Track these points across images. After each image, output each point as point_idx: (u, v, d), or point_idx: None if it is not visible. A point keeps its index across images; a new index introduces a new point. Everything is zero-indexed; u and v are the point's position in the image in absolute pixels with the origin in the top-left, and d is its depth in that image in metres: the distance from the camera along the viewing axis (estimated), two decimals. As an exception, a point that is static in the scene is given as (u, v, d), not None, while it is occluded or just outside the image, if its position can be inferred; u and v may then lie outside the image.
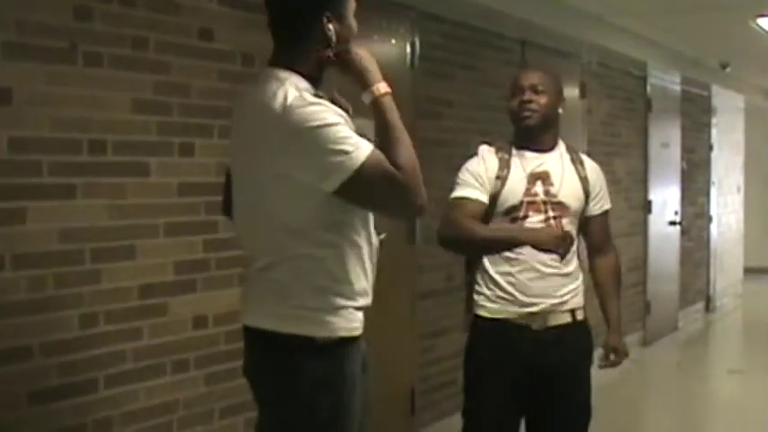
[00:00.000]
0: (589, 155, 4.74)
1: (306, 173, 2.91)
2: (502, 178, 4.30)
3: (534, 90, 4.34)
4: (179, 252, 4.60)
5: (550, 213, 4.29)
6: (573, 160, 4.47)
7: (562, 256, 4.32)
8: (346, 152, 2.87)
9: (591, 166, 4.55)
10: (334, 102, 3.05)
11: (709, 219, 13.38)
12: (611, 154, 9.85)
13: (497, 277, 4.32)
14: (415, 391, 6.50)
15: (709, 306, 13.34)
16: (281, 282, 3.01)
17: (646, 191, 10.80)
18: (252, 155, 3.03)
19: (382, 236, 3.23)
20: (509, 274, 4.30)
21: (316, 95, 2.96)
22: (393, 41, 6.28)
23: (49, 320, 4.04)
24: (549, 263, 4.30)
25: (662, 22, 9.48)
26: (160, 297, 4.52)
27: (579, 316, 4.47)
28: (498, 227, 4.31)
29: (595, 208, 4.51)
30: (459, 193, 4.37)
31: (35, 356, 3.98)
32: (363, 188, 2.93)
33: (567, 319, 4.40)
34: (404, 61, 6.36)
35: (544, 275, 4.31)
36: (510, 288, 4.30)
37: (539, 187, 4.31)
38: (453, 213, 4.34)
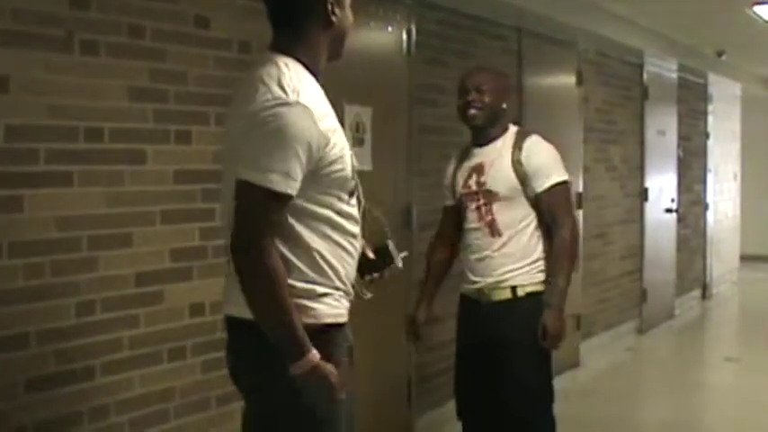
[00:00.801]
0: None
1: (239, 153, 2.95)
2: (454, 174, 4.94)
3: (478, 90, 4.75)
4: (175, 240, 4.60)
5: (481, 201, 4.76)
6: (514, 146, 4.77)
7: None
8: (265, 167, 2.88)
9: (530, 148, 4.77)
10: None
11: (706, 206, 13.39)
12: (608, 141, 9.86)
13: (463, 260, 4.96)
14: (411, 379, 6.51)
15: (705, 293, 13.36)
16: None
17: (642, 178, 10.80)
18: (232, 142, 3.05)
19: (404, 254, 3.38)
20: (465, 257, 4.94)
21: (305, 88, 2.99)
22: (389, 29, 6.28)
23: (46, 308, 4.04)
24: (483, 246, 4.79)
25: (658, 10, 9.49)
26: (157, 285, 4.53)
27: (520, 292, 4.75)
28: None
29: (537, 185, 4.72)
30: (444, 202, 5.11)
31: (32, 344, 3.98)
32: (240, 202, 2.93)
33: (507, 294, 4.75)
34: (400, 49, 6.36)
35: (484, 257, 4.78)
36: (465, 268, 4.93)
37: (473, 179, 4.81)
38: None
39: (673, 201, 11.64)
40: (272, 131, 2.88)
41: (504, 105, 4.85)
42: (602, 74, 9.66)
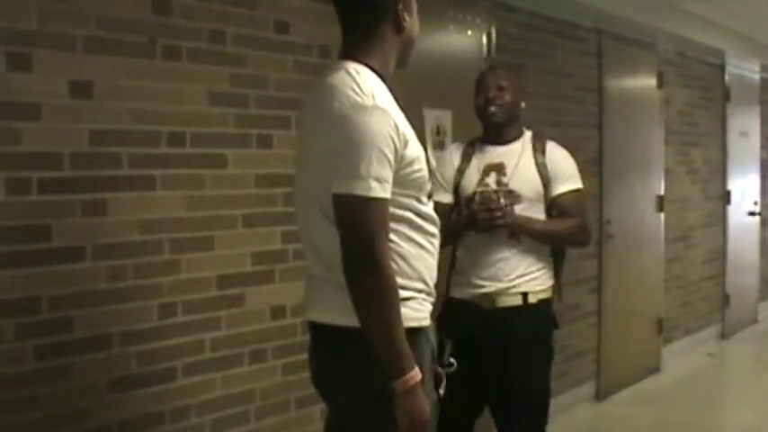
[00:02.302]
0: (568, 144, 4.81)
1: (330, 168, 2.93)
2: (461, 171, 4.66)
3: (499, 88, 4.61)
4: (257, 243, 4.64)
5: (502, 201, 4.48)
6: (535, 149, 4.67)
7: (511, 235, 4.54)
8: (360, 175, 2.86)
9: (552, 152, 4.70)
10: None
11: (790, 209, 13.20)
12: (689, 144, 9.77)
13: (462, 262, 4.66)
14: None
15: (789, 297, 13.18)
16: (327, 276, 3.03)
17: (724, 181, 10.68)
18: (309, 150, 3.08)
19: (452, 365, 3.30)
20: (469, 259, 4.62)
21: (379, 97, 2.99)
22: (469, 32, 6.28)
23: (128, 310, 4.10)
24: (501, 248, 4.54)
25: (740, 10, 9.38)
26: (238, 287, 4.57)
27: (532, 299, 4.58)
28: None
29: (557, 189, 4.64)
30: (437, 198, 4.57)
31: (115, 345, 4.05)
32: (347, 216, 2.91)
33: (517, 301, 4.55)
34: (480, 52, 6.36)
35: (497, 261, 4.54)
36: (465, 271, 4.62)
37: (491, 178, 4.59)
38: None
39: (756, 203, 11.47)
40: (358, 140, 2.88)
41: (523, 105, 4.72)
42: (682, 75, 9.57)
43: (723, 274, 10.67)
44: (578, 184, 4.74)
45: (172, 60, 4.25)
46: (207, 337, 4.43)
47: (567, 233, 4.69)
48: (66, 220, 3.85)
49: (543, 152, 4.67)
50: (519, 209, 4.52)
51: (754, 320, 11.45)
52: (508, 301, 4.55)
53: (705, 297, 10.27)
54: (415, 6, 3.21)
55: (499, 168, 4.60)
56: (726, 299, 10.69)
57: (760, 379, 9.05)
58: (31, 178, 3.73)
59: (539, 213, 4.59)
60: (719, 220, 10.61)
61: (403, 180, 2.99)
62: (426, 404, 2.96)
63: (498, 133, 4.66)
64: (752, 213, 11.37)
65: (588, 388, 7.75)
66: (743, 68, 11.04)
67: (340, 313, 3.00)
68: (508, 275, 4.54)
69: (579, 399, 7.58)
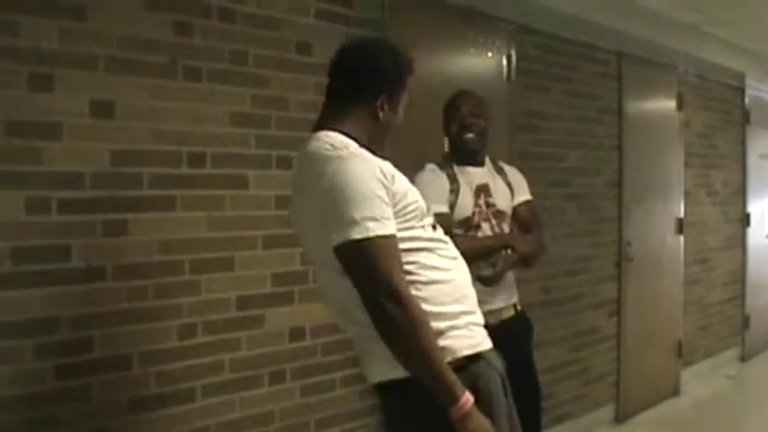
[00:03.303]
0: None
1: (323, 225, 2.97)
2: (455, 192, 4.74)
3: (473, 114, 4.82)
4: (277, 264, 4.64)
5: (493, 221, 4.79)
6: (497, 170, 4.97)
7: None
8: (354, 221, 2.89)
9: (511, 171, 5.04)
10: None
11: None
12: (708, 166, 9.74)
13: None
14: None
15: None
16: (371, 334, 3.00)
17: (744, 203, 10.63)
18: (304, 220, 3.14)
19: None
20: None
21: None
22: (489, 55, 6.28)
23: (148, 330, 4.10)
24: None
25: (760, 32, 9.35)
26: (258, 309, 4.56)
27: (519, 307, 4.93)
28: (479, 238, 4.74)
29: (517, 199, 4.96)
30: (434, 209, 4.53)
31: (135, 365, 4.04)
32: (353, 264, 2.94)
33: (511, 312, 4.85)
34: (500, 74, 6.35)
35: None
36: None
37: (482, 199, 4.80)
38: None
39: (776, 226, 11.44)
40: (341, 188, 2.91)
41: (490, 128, 4.94)
42: (702, 97, 9.55)
43: (743, 296, 10.62)
44: (529, 195, 5.05)
45: (193, 81, 4.26)
46: (226, 358, 4.43)
47: (532, 250, 4.91)
48: (86, 240, 3.85)
49: (503, 170, 5.00)
50: (504, 226, 4.84)
51: (774, 343, 11.40)
52: (507, 314, 4.81)
53: (725, 319, 10.22)
54: (402, 100, 3.30)
55: (486, 189, 4.83)
56: (745, 321, 10.63)
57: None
58: (51, 198, 3.73)
59: (508, 226, 4.91)
60: (739, 243, 10.56)
61: (402, 215, 3.02)
62: (486, 424, 2.97)
63: (473, 157, 4.86)
64: (772, 236, 11.32)
65: (607, 411, 7.72)
66: (763, 91, 11.00)
67: (385, 368, 3.02)
68: (507, 290, 4.83)
69: (598, 422, 7.54)
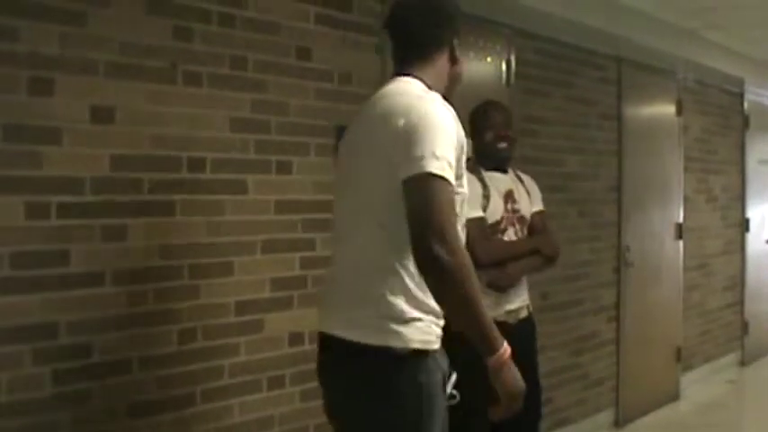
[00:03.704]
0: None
1: (397, 156, 2.95)
2: (486, 197, 4.87)
3: (506, 125, 5.02)
4: (276, 269, 4.64)
5: (517, 226, 4.98)
6: (518, 178, 5.14)
7: None
8: (436, 155, 2.89)
9: (528, 180, 5.22)
10: None
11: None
12: (708, 171, 9.74)
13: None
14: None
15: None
16: (361, 290, 3.06)
17: (743, 208, 10.64)
18: (361, 159, 3.12)
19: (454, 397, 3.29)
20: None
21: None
22: (489, 59, 6.28)
23: (148, 335, 4.10)
24: None
25: (759, 37, 9.36)
26: (257, 313, 4.56)
27: (531, 308, 5.12)
28: (512, 242, 4.95)
29: (533, 207, 5.15)
30: (471, 213, 4.68)
31: (134, 370, 4.04)
32: (414, 195, 2.91)
33: (525, 312, 5.04)
34: (500, 79, 6.36)
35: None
36: (491, 292, 4.77)
37: (509, 205, 4.97)
38: (477, 236, 4.63)
39: (775, 231, 11.44)
40: (429, 123, 2.94)
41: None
42: (701, 103, 9.55)
43: (742, 301, 10.63)
44: (542, 206, 5.23)
45: (193, 86, 4.26)
46: (225, 363, 4.42)
47: (547, 246, 5.16)
48: (85, 244, 3.85)
49: (522, 179, 5.17)
50: (525, 231, 5.04)
51: (774, 348, 11.40)
52: (522, 314, 5.01)
53: (724, 325, 10.22)
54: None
55: (511, 195, 5.00)
56: (745, 326, 10.64)
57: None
58: (50, 203, 3.73)
59: None
60: (738, 248, 10.57)
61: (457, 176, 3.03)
62: (519, 376, 3.05)
63: (503, 164, 5.05)
64: (771, 241, 11.33)
65: (607, 415, 7.71)
66: (762, 96, 11.01)
67: (347, 327, 3.08)
68: (524, 291, 5.03)
69: (598, 426, 7.54)
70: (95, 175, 3.88)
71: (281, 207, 4.64)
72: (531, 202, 5.11)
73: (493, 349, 2.96)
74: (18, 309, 3.62)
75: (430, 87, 3.15)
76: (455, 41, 3.28)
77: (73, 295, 3.81)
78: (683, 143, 9.06)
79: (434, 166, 2.87)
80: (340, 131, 4.85)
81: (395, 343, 3.01)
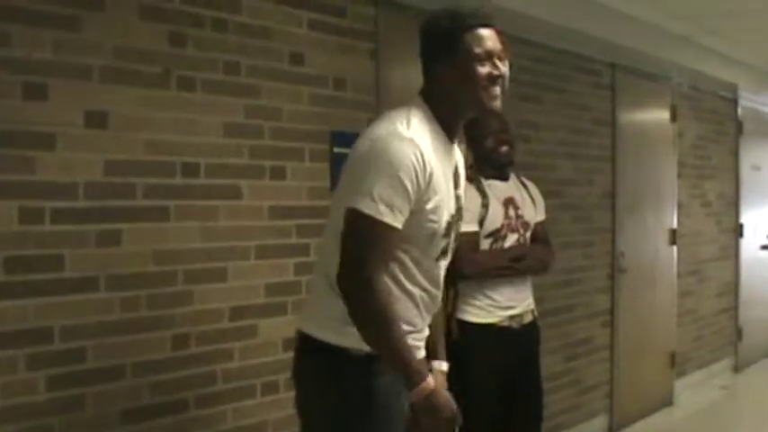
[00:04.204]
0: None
1: (348, 183, 3.07)
2: (485, 205, 4.88)
3: (505, 130, 5.00)
4: (270, 274, 4.63)
5: (521, 231, 5.01)
6: (522, 185, 5.17)
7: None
8: (372, 196, 2.94)
9: (532, 187, 5.26)
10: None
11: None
12: (702, 177, 9.75)
13: (488, 288, 4.89)
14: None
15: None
16: (327, 291, 3.10)
17: (737, 214, 10.66)
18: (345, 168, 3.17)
19: None
20: (497, 286, 4.92)
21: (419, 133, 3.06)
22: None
23: (141, 341, 4.09)
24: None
25: (753, 43, 9.38)
26: (251, 319, 4.56)
27: (536, 313, 5.13)
28: (496, 251, 4.92)
29: (538, 216, 5.19)
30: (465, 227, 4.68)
31: (128, 376, 4.03)
32: (349, 230, 3.00)
33: (530, 317, 5.06)
34: (493, 84, 6.34)
35: (522, 284, 5.02)
36: (492, 296, 4.89)
37: (511, 211, 4.98)
38: (465, 249, 4.62)
39: (769, 237, 11.46)
40: (378, 162, 2.97)
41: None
42: (695, 109, 9.57)
43: (736, 307, 10.64)
44: (545, 215, 5.28)
45: (187, 91, 4.26)
46: (219, 369, 4.42)
47: (544, 256, 5.25)
48: (79, 250, 3.84)
49: (527, 186, 5.21)
50: (528, 237, 5.07)
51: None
52: (527, 318, 5.03)
53: (718, 330, 10.23)
54: (479, 52, 3.21)
55: (513, 202, 5.01)
56: (739, 332, 10.66)
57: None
58: (44, 208, 3.72)
59: None
60: (732, 254, 10.58)
61: (410, 228, 3.05)
62: (449, 403, 3.09)
63: (503, 171, 5.05)
64: (765, 247, 11.33)
65: (601, 421, 7.72)
66: (756, 102, 11.03)
67: (311, 323, 3.20)
68: (528, 296, 5.07)
69: (592, 432, 7.55)
70: (89, 180, 3.87)
71: (276, 213, 4.64)
72: (535, 210, 5.14)
73: (411, 383, 3.01)
74: (12, 314, 3.62)
75: (437, 113, 3.16)
76: (461, 47, 3.16)
77: (67, 300, 3.80)
78: (677, 149, 9.07)
79: (366, 206, 2.94)
80: (334, 137, 4.88)
81: (352, 344, 3.07)
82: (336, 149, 4.94)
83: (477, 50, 3.18)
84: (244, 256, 4.52)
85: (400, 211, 2.97)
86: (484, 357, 4.90)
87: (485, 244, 4.88)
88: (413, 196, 2.98)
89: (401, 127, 3.03)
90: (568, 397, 7.25)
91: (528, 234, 5.05)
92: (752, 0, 7.43)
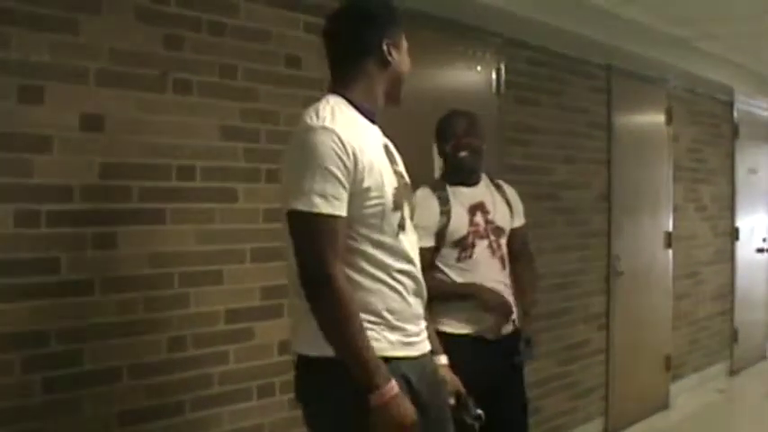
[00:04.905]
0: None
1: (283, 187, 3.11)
2: (446, 213, 4.76)
3: (467, 133, 4.84)
4: (265, 277, 4.63)
5: (492, 237, 4.83)
6: (496, 187, 5.01)
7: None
8: (303, 192, 2.98)
9: (509, 190, 5.09)
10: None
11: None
12: (698, 180, 9.76)
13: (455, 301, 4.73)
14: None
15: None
16: (303, 306, 3.08)
17: (733, 217, 10.66)
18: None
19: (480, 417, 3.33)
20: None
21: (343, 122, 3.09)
22: (479, 68, 6.29)
23: (137, 343, 4.09)
24: (498, 278, 4.84)
25: (749, 46, 9.38)
26: (247, 322, 4.56)
27: (517, 323, 4.90)
28: (462, 284, 4.76)
29: (517, 221, 5.05)
30: (420, 242, 4.71)
31: (124, 378, 4.03)
32: (295, 232, 3.04)
33: (509, 328, 4.85)
34: (490, 88, 6.37)
35: (496, 290, 4.81)
36: (466, 306, 4.74)
37: (479, 217, 4.82)
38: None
39: (764, 240, 11.43)
40: (300, 158, 3.02)
41: (485, 146, 4.94)
42: (691, 112, 9.57)
43: (732, 310, 10.64)
44: (524, 219, 5.14)
45: (183, 94, 4.27)
46: (215, 372, 4.42)
47: (533, 276, 5.22)
48: (75, 252, 3.84)
49: (502, 189, 5.04)
50: (502, 242, 4.89)
51: (763, 357, 11.40)
52: (506, 329, 4.83)
53: (714, 333, 10.24)
54: (404, 44, 3.36)
55: (482, 207, 4.85)
56: (734, 335, 10.66)
57: (769, 416, 9.01)
58: (40, 211, 3.73)
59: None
60: (728, 257, 10.59)
61: (357, 211, 3.07)
62: (410, 412, 3.02)
63: (470, 176, 4.90)
64: (760, 250, 11.34)
65: (596, 425, 7.72)
66: (752, 105, 11.04)
67: (300, 342, 3.19)
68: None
69: (587, 435, 7.56)
70: (85, 183, 3.88)
71: (271, 215, 4.62)
72: (512, 215, 4.99)
73: (371, 385, 2.98)
74: (8, 317, 3.62)
75: (354, 104, 3.20)
76: (385, 43, 3.25)
77: (63, 303, 3.81)
78: (673, 152, 9.08)
79: (301, 203, 2.98)
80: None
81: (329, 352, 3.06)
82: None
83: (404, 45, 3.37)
84: (239, 258, 4.52)
85: (336, 198, 2.99)
86: (458, 370, 4.63)
87: (452, 254, 4.76)
88: (344, 180, 3.00)
89: (310, 120, 3.06)
90: (564, 400, 7.25)
91: (502, 240, 4.88)
92: (748, 3, 7.43)
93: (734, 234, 10.68)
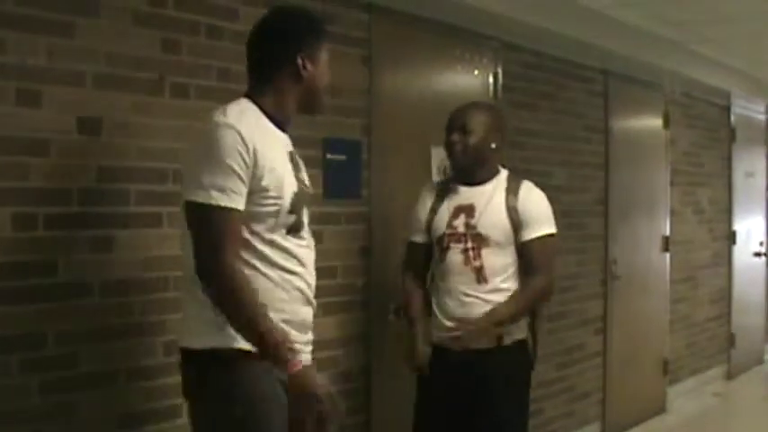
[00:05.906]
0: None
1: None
2: (434, 210, 4.69)
3: (462, 130, 4.60)
4: (262, 280, 4.63)
5: (470, 244, 4.56)
6: (508, 191, 4.65)
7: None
8: (202, 184, 3.07)
9: (526, 195, 4.67)
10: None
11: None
12: (695, 184, 9.76)
13: (433, 305, 4.69)
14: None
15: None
16: (190, 298, 3.23)
17: (730, 221, 10.67)
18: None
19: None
20: (439, 300, 4.66)
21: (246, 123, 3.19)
22: (476, 72, 6.29)
23: (134, 346, 4.10)
24: (468, 291, 4.56)
25: (746, 50, 9.39)
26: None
27: (507, 340, 4.59)
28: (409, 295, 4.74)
29: (528, 233, 4.61)
30: (410, 237, 4.86)
31: (120, 381, 4.04)
32: (192, 223, 3.15)
33: (491, 343, 4.55)
34: (487, 92, 6.36)
35: (467, 303, 4.56)
36: (437, 310, 4.65)
37: (460, 220, 4.60)
38: (404, 263, 4.86)
39: (761, 244, 11.46)
40: (201, 152, 3.13)
41: (494, 145, 4.65)
42: (688, 116, 9.58)
43: (729, 314, 10.65)
44: (550, 229, 4.73)
45: (180, 98, 4.27)
46: (212, 375, 4.41)
47: (532, 302, 4.70)
48: (72, 256, 3.85)
49: (516, 194, 4.65)
50: (485, 253, 4.56)
51: (760, 361, 11.42)
52: (478, 345, 4.54)
53: (711, 337, 10.24)
54: (323, 56, 3.46)
55: (468, 210, 4.62)
56: (731, 339, 10.66)
57: (767, 419, 9.00)
58: (37, 214, 3.73)
59: (507, 257, 4.60)
60: (725, 261, 10.59)
61: (253, 208, 3.15)
62: (316, 384, 3.14)
63: (467, 174, 4.69)
64: (758, 254, 11.35)
65: (594, 429, 7.72)
66: (749, 109, 11.05)
67: (185, 335, 3.33)
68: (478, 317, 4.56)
69: (584, 439, 7.56)
70: (82, 187, 3.88)
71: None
72: (519, 228, 4.58)
73: (280, 360, 3.09)
74: (5, 319, 3.62)
75: (265, 111, 3.32)
76: (299, 57, 3.35)
77: (60, 306, 3.81)
78: (670, 156, 9.08)
79: (199, 195, 3.08)
80: (327, 143, 4.88)
81: (219, 344, 3.15)
82: (329, 156, 4.96)
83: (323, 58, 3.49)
84: (236, 262, 4.51)
85: (233, 192, 3.07)
86: (423, 381, 4.68)
87: (436, 254, 4.68)
88: (243, 175, 3.09)
89: (217, 117, 3.17)
90: (561, 404, 7.25)
91: (487, 250, 4.54)
92: (745, 7, 7.44)
93: (731, 238, 10.69)
